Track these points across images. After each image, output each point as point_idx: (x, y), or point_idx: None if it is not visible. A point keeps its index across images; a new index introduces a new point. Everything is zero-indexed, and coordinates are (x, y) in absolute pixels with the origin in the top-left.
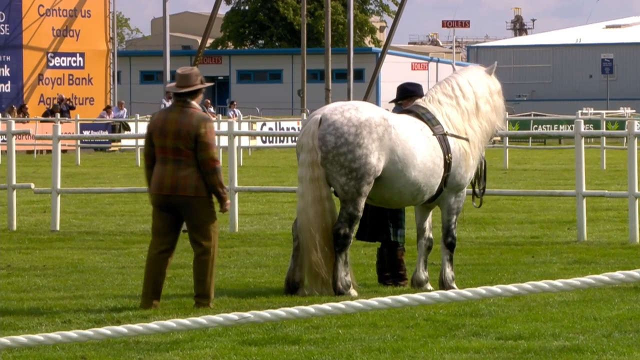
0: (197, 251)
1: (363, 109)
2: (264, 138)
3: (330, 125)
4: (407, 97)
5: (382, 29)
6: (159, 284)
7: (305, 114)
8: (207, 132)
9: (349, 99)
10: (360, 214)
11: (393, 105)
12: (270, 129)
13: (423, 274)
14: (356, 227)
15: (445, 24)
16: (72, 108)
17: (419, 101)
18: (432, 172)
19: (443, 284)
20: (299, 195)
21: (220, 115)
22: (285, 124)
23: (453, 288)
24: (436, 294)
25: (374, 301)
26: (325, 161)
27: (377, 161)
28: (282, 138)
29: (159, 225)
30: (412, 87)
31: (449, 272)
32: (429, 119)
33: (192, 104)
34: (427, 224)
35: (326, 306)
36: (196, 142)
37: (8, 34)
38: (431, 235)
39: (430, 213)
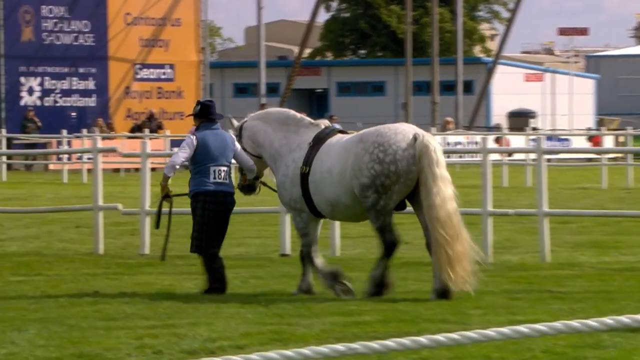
0: None
1: None
2: None
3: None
4: (210, 116)
5: (493, 37)
6: None
7: None
8: None
9: (457, 113)
10: None
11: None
12: None
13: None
14: None
15: (562, 31)
16: (161, 128)
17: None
18: None
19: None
20: (434, 194)
21: None
22: None
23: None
24: (558, 324)
25: (491, 332)
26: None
27: None
28: None
29: None
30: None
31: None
32: None
33: None
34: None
35: (440, 337)
36: None
37: (93, 44)
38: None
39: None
